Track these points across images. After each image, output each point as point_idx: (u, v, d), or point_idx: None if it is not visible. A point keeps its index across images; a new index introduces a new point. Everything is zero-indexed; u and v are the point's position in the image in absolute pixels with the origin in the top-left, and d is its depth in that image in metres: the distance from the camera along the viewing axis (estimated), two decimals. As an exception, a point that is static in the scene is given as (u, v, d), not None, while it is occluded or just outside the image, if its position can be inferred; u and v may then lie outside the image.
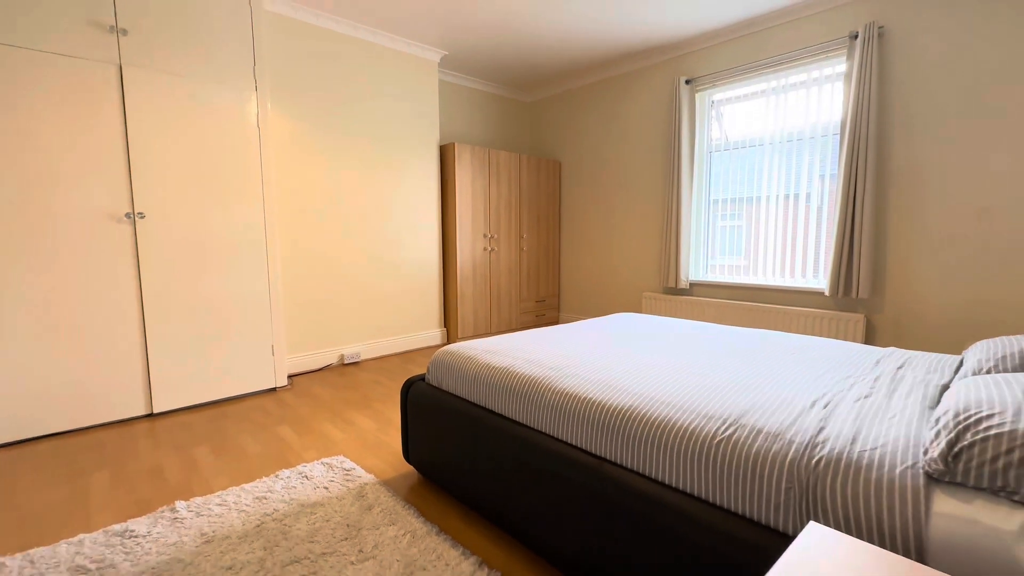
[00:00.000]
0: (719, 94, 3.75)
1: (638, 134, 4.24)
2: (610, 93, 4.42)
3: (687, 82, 3.80)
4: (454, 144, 4.02)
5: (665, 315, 4.05)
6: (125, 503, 1.74)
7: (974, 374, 1.27)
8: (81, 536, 1.53)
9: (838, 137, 3.14)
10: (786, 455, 0.98)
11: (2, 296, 2.17)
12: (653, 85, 4.09)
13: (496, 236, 4.41)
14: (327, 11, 3.27)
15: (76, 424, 2.38)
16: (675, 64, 3.93)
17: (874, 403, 1.19)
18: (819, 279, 3.31)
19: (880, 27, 2.90)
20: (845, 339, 3.09)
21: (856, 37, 2.95)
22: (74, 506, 1.72)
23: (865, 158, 2.93)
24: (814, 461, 0.95)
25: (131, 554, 1.45)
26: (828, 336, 3.16)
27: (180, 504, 1.70)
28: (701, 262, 3.97)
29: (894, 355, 1.66)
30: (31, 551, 1.46)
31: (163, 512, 1.67)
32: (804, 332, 3.26)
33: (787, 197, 3.43)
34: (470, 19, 3.36)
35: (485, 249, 4.32)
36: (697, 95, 3.83)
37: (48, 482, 1.89)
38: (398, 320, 3.95)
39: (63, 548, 1.48)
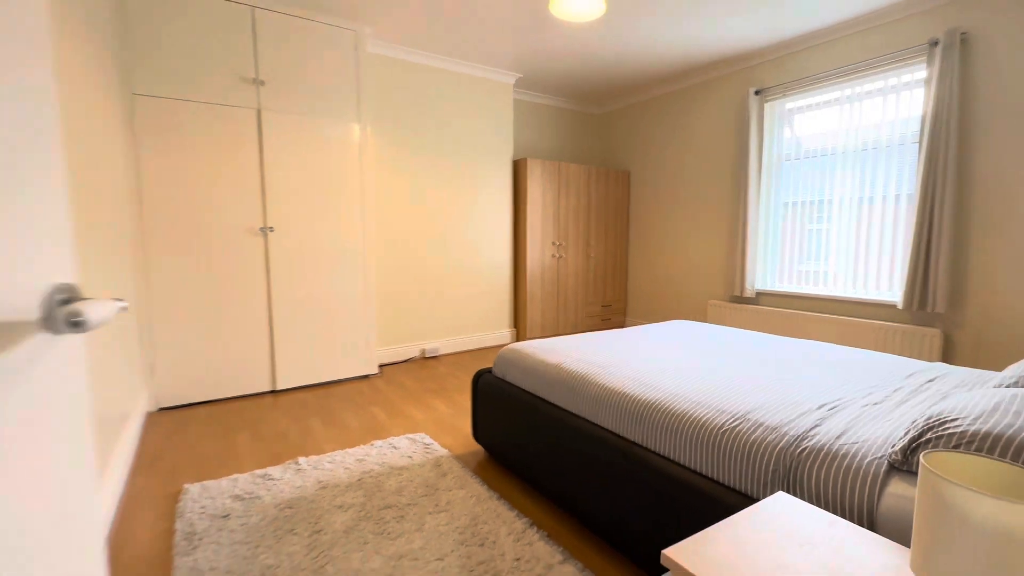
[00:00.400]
0: (790, 103, 3.74)
1: (706, 144, 4.31)
2: (679, 104, 4.52)
3: (757, 92, 3.83)
4: (526, 159, 4.36)
5: (730, 324, 4.09)
6: (263, 455, 2.26)
7: (994, 388, 1.36)
8: (236, 475, 2.05)
9: (917, 145, 3.05)
10: (777, 444, 1.18)
11: (177, 295, 2.83)
12: (722, 96, 4.15)
13: (564, 244, 4.68)
14: (418, 48, 3.74)
15: (223, 395, 3.02)
16: (745, 75, 3.96)
17: (881, 409, 1.33)
18: (893, 291, 3.22)
19: (963, 33, 2.80)
20: (920, 355, 3.00)
21: (937, 44, 2.87)
22: (228, 454, 2.27)
23: (945, 166, 2.84)
24: (799, 450, 1.14)
25: (270, 491, 1.93)
26: (900, 352, 3.08)
27: (302, 459, 2.18)
28: (768, 272, 3.97)
29: (931, 370, 1.72)
30: (205, 482, 1.99)
31: (290, 464, 2.15)
32: (875, 347, 3.19)
33: (860, 206, 3.36)
34: (544, 45, 3.67)
35: (553, 256, 4.61)
36: (767, 105, 3.84)
37: (209, 435, 2.48)
38: (473, 320, 4.36)
39: (225, 482, 1.99)
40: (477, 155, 4.23)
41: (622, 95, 4.93)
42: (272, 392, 3.17)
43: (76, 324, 0.38)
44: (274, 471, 2.08)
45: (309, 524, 1.71)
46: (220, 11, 2.84)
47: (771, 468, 1.15)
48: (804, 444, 1.15)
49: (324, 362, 3.33)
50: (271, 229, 3.08)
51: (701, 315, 4.45)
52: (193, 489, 1.93)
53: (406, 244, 3.94)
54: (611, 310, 5.14)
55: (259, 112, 3.00)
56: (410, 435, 2.46)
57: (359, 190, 3.39)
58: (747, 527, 0.88)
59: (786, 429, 1.22)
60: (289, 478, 2.03)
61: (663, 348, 2.12)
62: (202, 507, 1.81)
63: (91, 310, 0.39)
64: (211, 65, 2.84)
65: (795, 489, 1.10)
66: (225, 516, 1.76)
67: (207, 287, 2.91)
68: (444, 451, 2.27)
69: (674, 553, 0.82)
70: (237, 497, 1.88)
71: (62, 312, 0.38)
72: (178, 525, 1.70)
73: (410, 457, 2.22)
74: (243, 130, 2.96)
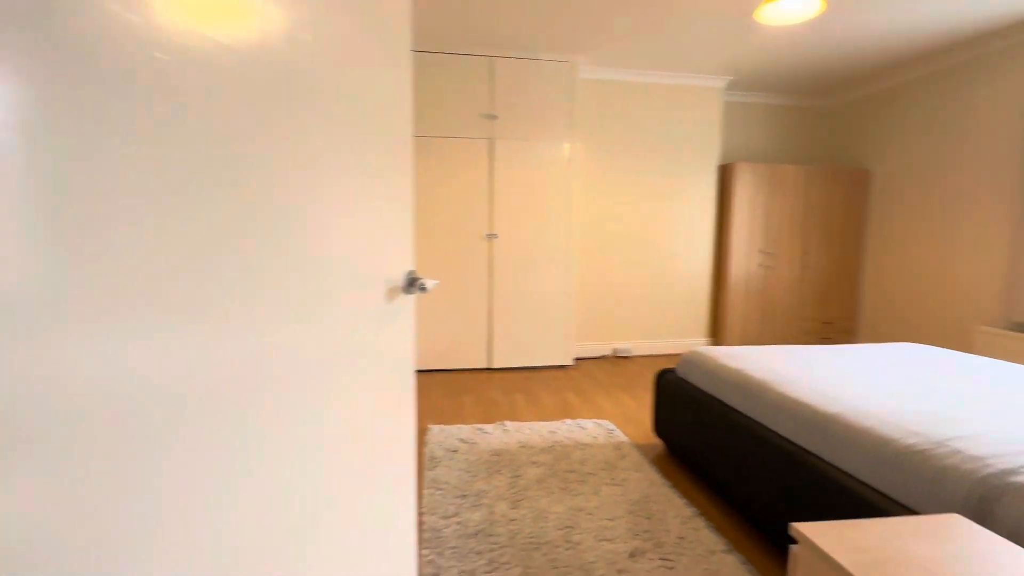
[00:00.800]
0: None
1: (982, 131, 3.47)
2: (940, 86, 3.74)
3: (1067, 60, 2.94)
4: (734, 164, 4.21)
5: (1009, 358, 3.22)
6: (479, 415, 2.86)
7: None
8: (461, 425, 2.67)
9: None
10: (975, 474, 1.09)
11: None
12: (1008, 70, 3.29)
13: (774, 252, 4.34)
14: (625, 67, 4.02)
15: (452, 366, 3.83)
16: (1049, 40, 3.08)
17: None
18: None
19: None
20: None
21: None
22: (456, 410, 2.95)
23: None
24: (1002, 483, 1.05)
25: (483, 440, 2.47)
26: None
27: (507, 423, 2.70)
28: (1078, 294, 3.00)
29: None
30: (441, 426, 2.66)
31: (498, 425, 2.68)
32: None
33: None
34: (761, 44, 3.54)
35: (760, 265, 4.33)
36: (1086, 75, 2.92)
37: (443, 395, 3.23)
38: (667, 325, 4.42)
39: (454, 428, 2.63)
40: (680, 162, 4.28)
41: (859, 83, 4.30)
42: (487, 369, 3.86)
43: (423, 289, 0.79)
44: (487, 427, 2.64)
45: (511, 470, 2.16)
46: (468, 64, 3.62)
47: (960, 496, 1.08)
48: (1011, 479, 1.05)
49: (530, 349, 3.89)
50: (495, 236, 3.76)
51: (964, 343, 3.60)
52: (435, 429, 2.61)
53: (607, 249, 4.26)
54: (833, 328, 4.53)
55: (490, 141, 3.70)
56: (596, 420, 2.76)
57: (567, 200, 3.84)
58: (901, 529, 0.92)
59: (992, 461, 1.11)
60: (498, 435, 2.55)
61: (866, 366, 1.95)
62: (439, 442, 2.45)
63: (428, 283, 0.80)
64: (458, 107, 3.65)
65: (984, 521, 1.03)
66: (454, 451, 2.35)
67: (447, 280, 3.74)
68: (625, 438, 2.51)
69: (806, 528, 0.93)
70: (462, 440, 2.48)
71: (416, 283, 0.81)
72: (426, 450, 2.36)
73: (594, 438, 2.52)
74: (477, 156, 3.70)
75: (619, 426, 2.72)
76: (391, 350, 0.85)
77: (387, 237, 0.79)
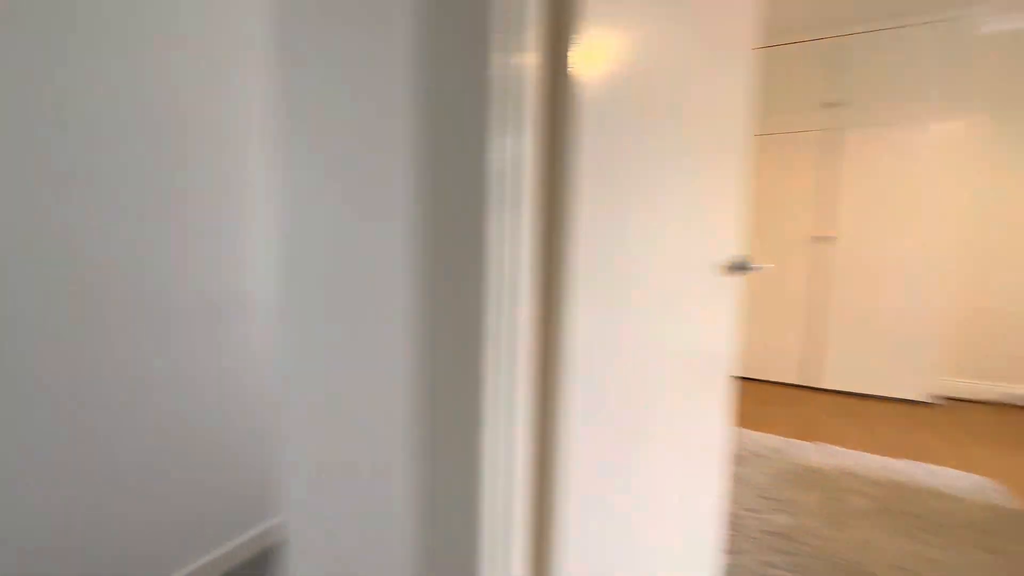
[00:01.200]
0: None
1: None
2: None
3: None
4: None
5: None
6: (788, 428, 2.66)
7: None
8: (767, 433, 2.56)
9: None
10: None
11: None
12: None
13: None
14: (1069, 5, 2.86)
15: (752, 375, 3.59)
16: None
17: None
18: None
19: None
20: None
21: None
22: (761, 417, 2.82)
23: None
24: None
25: (795, 454, 2.30)
26: None
27: (827, 445, 2.42)
28: None
29: None
30: (744, 429, 2.61)
31: (814, 443, 2.44)
32: None
33: None
34: None
35: None
36: None
37: (752, 402, 3.12)
38: None
39: (756, 435, 2.54)
40: None
41: None
42: (807, 387, 3.46)
43: (752, 269, 0.94)
44: (797, 443, 2.44)
45: (827, 491, 1.98)
46: (807, 52, 3.31)
47: None
48: None
49: (867, 374, 3.27)
50: (832, 238, 3.32)
51: None
52: (742, 431, 2.59)
53: (1011, 260, 3.15)
54: None
55: (832, 132, 3.28)
56: (967, 473, 2.16)
57: (944, 194, 3.03)
58: None
59: None
60: (811, 453, 2.33)
61: None
62: (746, 444, 2.43)
63: (757, 266, 0.94)
64: (794, 101, 3.38)
65: None
66: (760, 455, 2.30)
67: (766, 285, 3.53)
68: (1018, 502, 1.90)
69: None
70: (771, 448, 2.38)
71: (745, 265, 0.97)
72: (732, 448, 2.39)
73: (958, 490, 2.00)
74: (816, 151, 3.34)
75: (1006, 485, 2.05)
76: (717, 325, 1.03)
77: (724, 224, 0.97)
